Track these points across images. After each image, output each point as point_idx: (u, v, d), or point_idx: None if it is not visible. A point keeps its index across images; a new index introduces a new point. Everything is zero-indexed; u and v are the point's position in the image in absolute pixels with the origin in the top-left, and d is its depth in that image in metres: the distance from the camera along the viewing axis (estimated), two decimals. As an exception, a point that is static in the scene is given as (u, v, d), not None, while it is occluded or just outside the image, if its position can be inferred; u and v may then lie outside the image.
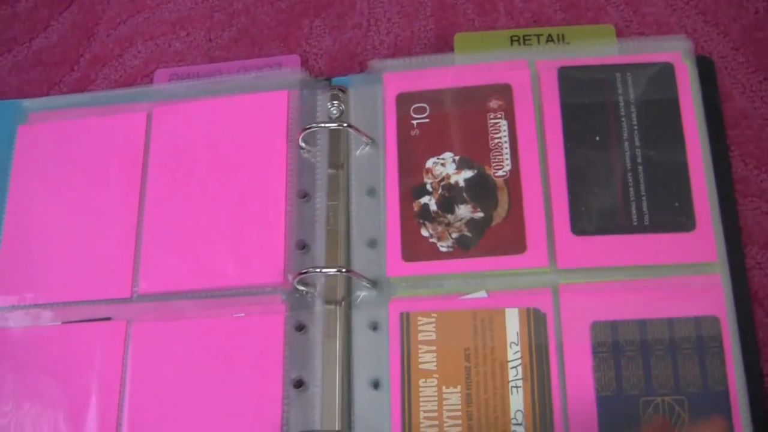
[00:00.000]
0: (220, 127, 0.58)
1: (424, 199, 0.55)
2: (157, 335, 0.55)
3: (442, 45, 0.61)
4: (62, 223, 0.58)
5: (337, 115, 0.58)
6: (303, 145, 0.57)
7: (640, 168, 0.54)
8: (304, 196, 0.57)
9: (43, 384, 0.55)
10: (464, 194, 0.55)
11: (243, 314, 0.54)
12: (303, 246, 0.55)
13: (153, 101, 0.60)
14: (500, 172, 0.55)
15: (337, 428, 0.51)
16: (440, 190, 0.55)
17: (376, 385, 0.52)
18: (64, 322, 0.56)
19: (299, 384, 0.53)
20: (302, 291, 0.54)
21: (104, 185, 0.58)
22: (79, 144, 0.60)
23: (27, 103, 0.62)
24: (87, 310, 0.56)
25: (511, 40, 0.59)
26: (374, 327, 0.53)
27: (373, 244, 0.55)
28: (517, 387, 0.51)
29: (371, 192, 0.56)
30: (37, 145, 0.60)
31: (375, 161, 0.57)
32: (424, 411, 0.51)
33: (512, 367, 0.51)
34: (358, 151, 0.57)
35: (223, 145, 0.58)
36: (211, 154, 0.58)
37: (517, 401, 0.50)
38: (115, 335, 0.55)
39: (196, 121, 0.59)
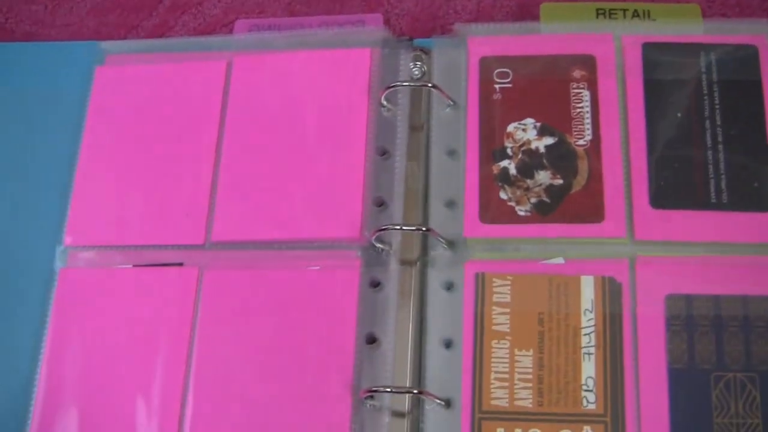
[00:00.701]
0: (301, 81, 0.58)
1: (504, 163, 0.55)
2: (230, 283, 0.55)
3: (524, 14, 0.61)
4: (136, 166, 0.58)
5: (419, 75, 0.58)
6: (384, 103, 0.57)
7: (720, 146, 0.54)
8: (384, 153, 0.57)
9: (111, 326, 0.55)
10: (544, 160, 0.55)
11: (318, 267, 0.54)
12: (381, 203, 0.56)
13: (232, 50, 0.60)
14: (581, 141, 0.55)
15: (408, 385, 0.52)
16: (520, 155, 0.55)
17: (448, 344, 0.53)
18: (135, 265, 0.56)
19: (372, 340, 0.53)
20: (378, 248, 0.54)
21: (181, 131, 0.58)
22: (156, 89, 0.60)
23: (105, 45, 0.62)
24: (159, 255, 0.56)
25: (597, 13, 0.59)
26: (449, 287, 0.54)
27: (451, 204, 0.55)
28: (589, 354, 0.51)
29: (451, 153, 0.56)
30: (114, 87, 0.60)
31: (456, 123, 0.57)
32: (496, 372, 0.51)
33: (585, 334, 0.51)
34: (439, 112, 0.57)
35: (303, 99, 0.58)
36: (291, 107, 0.58)
37: (588, 368, 0.51)
38: (187, 281, 0.55)
39: (277, 73, 0.59)
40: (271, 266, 0.55)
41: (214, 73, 0.59)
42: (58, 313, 0.56)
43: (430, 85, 0.57)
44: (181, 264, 0.56)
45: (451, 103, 0.57)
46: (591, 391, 0.50)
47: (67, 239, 0.57)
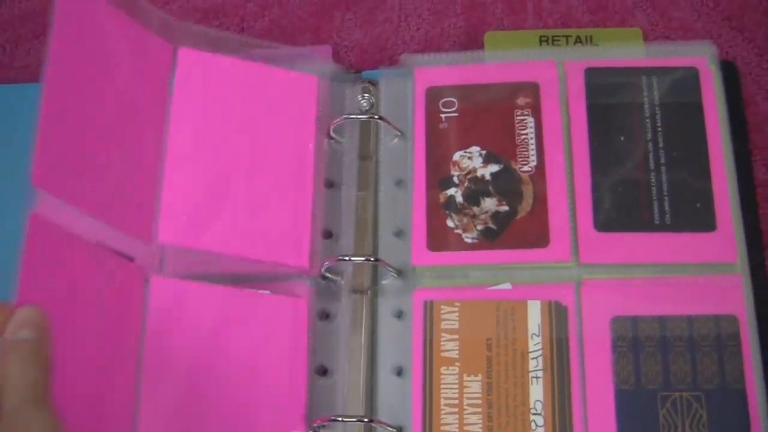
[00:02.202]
0: (250, 93, 0.58)
1: (451, 191, 0.56)
2: (180, 296, 0.53)
3: (471, 42, 0.62)
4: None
5: (367, 107, 0.59)
6: (334, 135, 0.58)
7: (663, 168, 0.55)
8: (331, 185, 0.58)
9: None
10: (490, 187, 0.56)
11: (268, 291, 0.55)
12: (330, 235, 0.56)
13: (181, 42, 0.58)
14: (526, 168, 0.56)
15: (361, 414, 0.52)
16: (466, 183, 0.56)
17: (399, 372, 0.53)
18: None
19: (324, 371, 0.54)
20: (329, 279, 0.55)
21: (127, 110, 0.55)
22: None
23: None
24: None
25: (540, 40, 0.60)
26: (399, 315, 0.54)
27: (399, 233, 0.56)
28: (537, 377, 0.52)
29: (399, 183, 0.57)
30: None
31: (403, 153, 0.58)
32: (445, 398, 0.52)
33: (533, 358, 0.52)
34: (387, 143, 0.58)
35: (252, 111, 0.57)
36: (239, 116, 0.57)
37: (537, 391, 0.51)
38: (135, 281, 0.53)
39: (224, 73, 0.58)
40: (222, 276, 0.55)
41: (161, 53, 0.58)
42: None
43: (377, 117, 0.57)
44: (132, 258, 0.53)
45: (399, 133, 0.58)
46: (539, 414, 0.51)
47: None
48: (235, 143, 0.57)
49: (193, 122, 0.57)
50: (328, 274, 0.55)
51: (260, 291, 0.55)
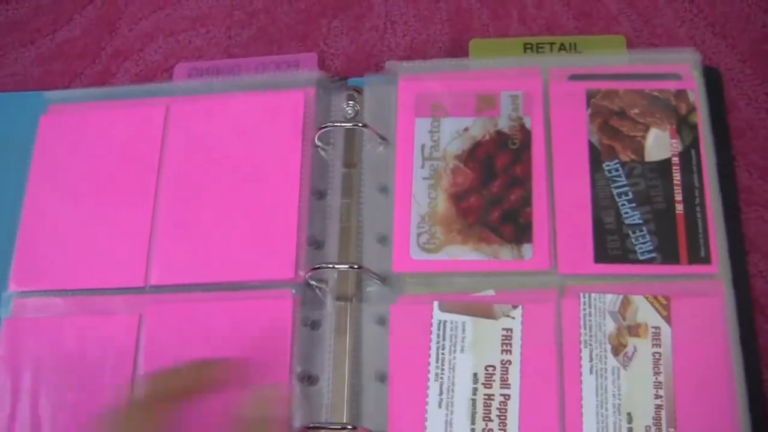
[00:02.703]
0: (237, 124, 0.60)
1: (435, 199, 0.56)
2: (168, 318, 0.56)
3: (456, 49, 0.62)
4: (79, 213, 0.59)
5: (353, 115, 0.59)
6: (319, 143, 0.58)
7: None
8: (319, 194, 0.58)
9: (56, 375, 0.56)
10: (475, 195, 0.56)
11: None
12: (317, 244, 0.57)
13: (171, 96, 0.62)
14: (510, 175, 0.56)
15: (345, 420, 0.53)
16: (450, 191, 0.56)
17: (382, 378, 0.54)
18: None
19: (309, 377, 0.54)
20: (314, 287, 0.55)
21: (121, 178, 0.60)
22: (97, 136, 0.61)
23: (48, 95, 0.63)
24: (101, 300, 0.57)
25: (525, 48, 0.60)
26: (382, 322, 0.55)
27: (383, 240, 0.56)
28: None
29: (383, 189, 0.57)
30: (57, 136, 0.62)
31: (387, 160, 0.58)
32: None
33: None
34: (371, 150, 0.58)
35: (239, 141, 0.59)
36: (227, 150, 0.59)
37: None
38: (129, 326, 0.56)
39: (213, 116, 0.60)
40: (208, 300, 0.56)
41: (153, 119, 0.61)
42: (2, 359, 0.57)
43: (360, 124, 0.58)
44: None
45: (382, 140, 0.58)
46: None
47: (12, 285, 0.58)
48: (221, 175, 0.59)
49: (181, 167, 0.60)
50: (313, 282, 0.55)
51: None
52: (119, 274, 0.58)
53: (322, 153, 0.59)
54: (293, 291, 0.55)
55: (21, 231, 0.60)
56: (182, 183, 0.59)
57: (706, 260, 0.53)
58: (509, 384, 0.52)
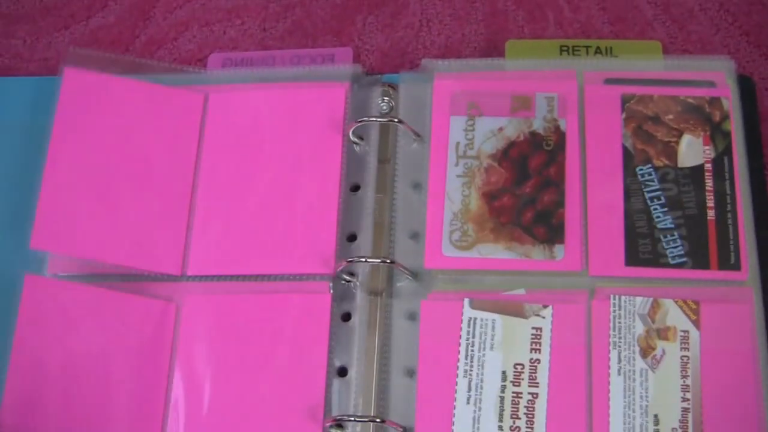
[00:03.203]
0: (276, 116, 0.60)
1: (469, 197, 0.57)
2: (206, 308, 0.56)
3: (491, 50, 0.63)
4: (108, 186, 0.59)
5: (387, 110, 0.60)
6: (354, 138, 0.59)
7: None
8: (355, 188, 0.58)
9: (83, 351, 0.56)
10: (508, 194, 0.57)
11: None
12: (353, 238, 0.57)
13: (207, 85, 0.61)
14: (543, 176, 0.57)
15: (373, 414, 0.53)
16: (484, 189, 0.57)
17: (411, 374, 0.54)
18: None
19: (341, 371, 0.54)
20: (347, 280, 0.56)
21: (158, 160, 0.59)
22: (131, 108, 0.60)
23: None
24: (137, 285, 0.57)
25: (561, 50, 0.61)
26: (412, 317, 0.55)
27: (415, 236, 0.57)
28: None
29: (416, 186, 0.58)
30: (83, 101, 0.60)
31: (421, 156, 0.58)
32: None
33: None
34: (405, 146, 0.59)
35: (278, 134, 0.59)
36: (266, 142, 0.59)
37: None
38: (165, 313, 0.56)
39: (252, 108, 0.60)
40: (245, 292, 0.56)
41: (192, 104, 0.60)
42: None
43: (396, 120, 0.58)
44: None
45: (417, 137, 0.58)
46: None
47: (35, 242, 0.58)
48: (260, 167, 0.59)
49: (219, 157, 0.59)
50: (345, 276, 0.56)
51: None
52: (154, 258, 0.57)
53: (356, 148, 0.59)
54: (330, 284, 0.56)
55: (42, 196, 0.58)
56: (220, 172, 0.59)
57: (736, 267, 0.54)
58: (537, 383, 0.52)
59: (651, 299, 0.53)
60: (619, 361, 0.52)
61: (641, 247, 0.54)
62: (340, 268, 0.55)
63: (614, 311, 0.53)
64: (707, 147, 0.56)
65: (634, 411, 0.51)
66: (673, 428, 0.50)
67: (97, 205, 0.58)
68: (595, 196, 0.56)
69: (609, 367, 0.52)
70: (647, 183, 0.56)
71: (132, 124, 0.60)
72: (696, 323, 0.52)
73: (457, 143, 0.58)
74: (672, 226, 0.55)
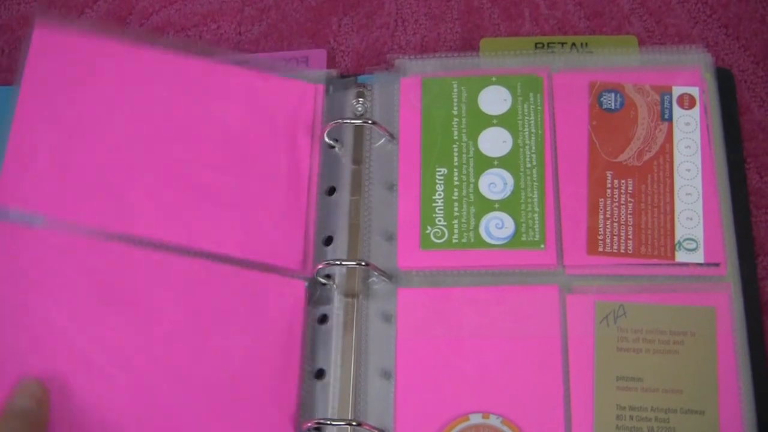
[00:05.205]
0: (248, 100, 0.59)
1: (443, 196, 0.56)
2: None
3: (467, 48, 0.62)
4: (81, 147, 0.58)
5: (362, 111, 0.59)
6: (329, 140, 0.58)
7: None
8: (331, 191, 0.58)
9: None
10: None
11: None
12: (328, 240, 0.57)
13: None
14: (518, 174, 0.56)
15: (349, 417, 0.52)
16: (459, 189, 0.56)
17: (387, 375, 0.53)
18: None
19: (319, 374, 0.54)
20: (323, 283, 0.55)
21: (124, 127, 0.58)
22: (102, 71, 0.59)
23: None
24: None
25: (536, 47, 0.60)
26: (387, 318, 0.55)
27: (390, 237, 0.56)
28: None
29: (390, 187, 0.57)
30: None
31: (394, 157, 0.58)
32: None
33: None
34: (380, 147, 0.58)
35: (249, 118, 0.58)
36: (237, 123, 0.58)
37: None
38: None
39: (221, 83, 0.59)
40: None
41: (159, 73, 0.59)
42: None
43: (369, 121, 0.58)
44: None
45: (391, 138, 0.58)
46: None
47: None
48: (233, 150, 0.58)
49: (196, 128, 0.58)
50: (321, 279, 0.55)
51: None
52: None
53: (331, 149, 0.59)
54: (306, 284, 0.55)
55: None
56: (193, 147, 0.58)
57: (715, 262, 0.53)
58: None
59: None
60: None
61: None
62: (316, 271, 0.55)
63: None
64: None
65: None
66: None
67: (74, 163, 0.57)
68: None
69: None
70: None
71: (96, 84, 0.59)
72: (675, 320, 0.52)
73: (429, 142, 0.57)
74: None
